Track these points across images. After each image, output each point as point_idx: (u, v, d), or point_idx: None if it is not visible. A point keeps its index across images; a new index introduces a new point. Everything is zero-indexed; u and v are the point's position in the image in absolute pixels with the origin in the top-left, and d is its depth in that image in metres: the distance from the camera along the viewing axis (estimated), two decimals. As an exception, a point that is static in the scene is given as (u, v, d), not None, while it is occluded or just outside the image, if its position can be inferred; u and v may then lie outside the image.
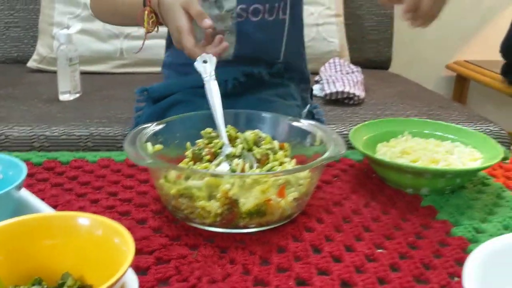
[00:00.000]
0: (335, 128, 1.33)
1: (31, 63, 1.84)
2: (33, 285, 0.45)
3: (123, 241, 0.44)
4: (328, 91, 1.63)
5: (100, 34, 1.83)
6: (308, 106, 1.18)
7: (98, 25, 1.81)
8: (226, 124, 0.72)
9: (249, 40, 1.00)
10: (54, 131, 1.27)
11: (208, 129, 0.71)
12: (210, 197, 0.59)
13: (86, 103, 1.50)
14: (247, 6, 0.98)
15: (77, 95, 1.51)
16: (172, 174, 0.61)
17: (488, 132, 1.35)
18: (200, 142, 0.71)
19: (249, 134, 0.71)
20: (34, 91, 1.57)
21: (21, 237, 0.46)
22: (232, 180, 0.59)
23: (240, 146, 0.68)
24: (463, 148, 0.78)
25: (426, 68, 2.39)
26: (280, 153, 0.69)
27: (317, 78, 1.77)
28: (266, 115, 0.76)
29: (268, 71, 1.04)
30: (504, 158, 0.84)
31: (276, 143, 0.70)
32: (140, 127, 0.68)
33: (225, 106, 0.76)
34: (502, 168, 0.82)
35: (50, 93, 1.53)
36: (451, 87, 2.41)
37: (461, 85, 2.34)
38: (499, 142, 1.28)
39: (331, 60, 1.87)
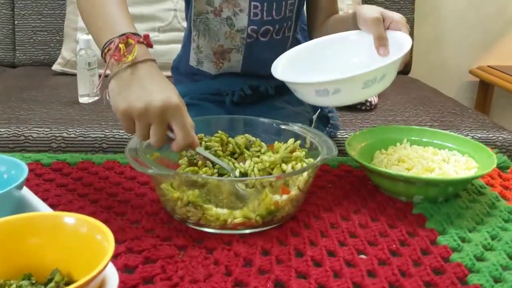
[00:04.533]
0: (344, 133, 1.33)
1: (55, 66, 1.89)
2: (23, 279, 0.48)
3: (104, 238, 0.47)
4: (341, 97, 1.63)
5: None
6: (318, 111, 1.19)
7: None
8: (222, 129, 0.74)
9: (255, 59, 1.00)
10: (71, 132, 1.31)
11: (200, 135, 0.73)
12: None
13: (103, 106, 1.52)
14: (258, 27, 0.96)
15: (96, 98, 1.55)
16: (177, 181, 0.63)
17: (501, 139, 1.32)
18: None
19: (240, 138, 0.73)
20: (56, 94, 1.61)
21: (9, 236, 0.48)
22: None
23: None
24: (460, 157, 0.78)
25: (449, 73, 2.33)
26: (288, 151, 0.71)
27: (332, 83, 1.76)
28: (259, 120, 0.78)
29: (275, 85, 1.04)
30: (504, 167, 0.84)
31: (264, 145, 0.73)
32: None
33: (235, 113, 0.82)
34: (501, 178, 0.81)
35: (71, 96, 1.57)
36: (474, 93, 2.35)
37: (484, 90, 2.27)
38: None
39: (347, 66, 1.86)
